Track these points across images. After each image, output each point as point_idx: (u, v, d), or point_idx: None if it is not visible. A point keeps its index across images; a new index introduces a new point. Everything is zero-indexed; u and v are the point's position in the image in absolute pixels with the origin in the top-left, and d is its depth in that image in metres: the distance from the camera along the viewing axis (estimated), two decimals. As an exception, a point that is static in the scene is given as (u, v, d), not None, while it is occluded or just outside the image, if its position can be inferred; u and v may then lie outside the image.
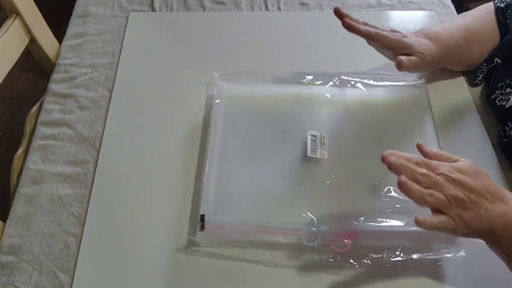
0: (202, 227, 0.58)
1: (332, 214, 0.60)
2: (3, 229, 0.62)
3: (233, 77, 0.74)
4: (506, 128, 0.69)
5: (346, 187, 0.63)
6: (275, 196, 0.62)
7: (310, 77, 0.75)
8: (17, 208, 0.63)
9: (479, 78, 0.77)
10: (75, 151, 0.69)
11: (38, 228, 0.61)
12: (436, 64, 0.72)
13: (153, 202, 0.64)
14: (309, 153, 0.64)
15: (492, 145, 0.71)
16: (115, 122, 0.72)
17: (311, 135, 0.66)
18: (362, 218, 0.59)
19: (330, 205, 0.61)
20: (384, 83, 0.74)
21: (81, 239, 0.60)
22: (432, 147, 0.66)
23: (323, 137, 0.66)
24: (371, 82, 0.74)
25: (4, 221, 0.62)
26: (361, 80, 0.74)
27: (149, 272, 0.58)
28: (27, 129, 0.75)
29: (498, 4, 0.75)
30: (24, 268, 0.58)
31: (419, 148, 0.56)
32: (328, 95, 0.72)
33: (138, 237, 0.61)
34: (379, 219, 0.59)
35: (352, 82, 0.73)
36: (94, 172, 0.66)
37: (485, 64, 0.75)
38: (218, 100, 0.71)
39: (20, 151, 0.72)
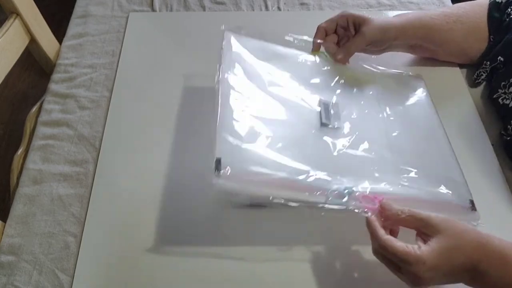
0: (219, 172, 0.52)
1: (356, 177, 0.58)
2: (3, 229, 0.62)
3: (241, 32, 0.71)
4: (509, 126, 0.69)
5: (365, 156, 0.62)
6: (298, 155, 0.58)
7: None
8: (17, 208, 0.63)
9: (482, 77, 0.77)
10: (75, 151, 0.69)
11: (38, 228, 0.61)
12: (409, 37, 0.74)
13: (153, 202, 0.64)
14: (324, 120, 0.63)
15: (492, 145, 0.71)
16: (115, 122, 0.72)
17: (324, 103, 0.65)
18: (384, 184, 0.58)
19: (352, 171, 0.59)
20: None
21: (81, 239, 0.60)
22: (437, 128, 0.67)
23: (337, 105, 0.66)
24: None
25: (4, 221, 0.62)
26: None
27: (149, 272, 0.58)
28: (27, 129, 0.75)
29: None
30: (24, 268, 0.58)
31: (382, 207, 0.54)
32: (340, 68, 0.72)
33: (138, 237, 0.60)
34: (400, 186, 0.59)
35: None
36: (94, 172, 0.66)
37: (488, 62, 0.75)
38: (227, 54, 0.67)
39: (20, 151, 0.72)
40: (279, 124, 0.61)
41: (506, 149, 0.70)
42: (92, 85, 0.77)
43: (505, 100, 0.71)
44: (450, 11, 0.76)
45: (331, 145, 0.62)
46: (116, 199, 0.64)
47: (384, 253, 0.51)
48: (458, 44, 0.76)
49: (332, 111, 0.65)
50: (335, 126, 0.64)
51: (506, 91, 0.71)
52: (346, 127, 0.64)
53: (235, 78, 0.64)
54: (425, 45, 0.77)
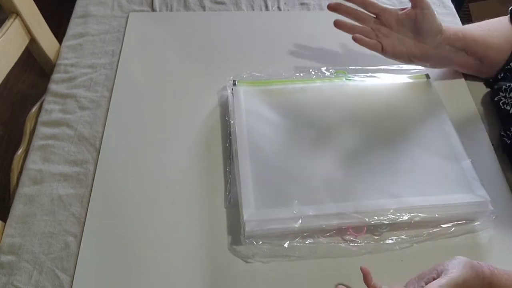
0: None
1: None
2: (3, 229, 0.61)
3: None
4: (508, 132, 0.69)
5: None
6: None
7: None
8: (17, 208, 0.63)
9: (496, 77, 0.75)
10: (75, 151, 0.69)
11: (38, 228, 0.61)
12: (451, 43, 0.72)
13: (153, 202, 0.64)
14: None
15: (492, 145, 0.71)
16: (115, 122, 0.72)
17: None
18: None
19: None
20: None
21: (81, 239, 0.60)
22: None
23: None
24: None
25: (4, 221, 0.62)
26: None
27: (149, 272, 0.58)
28: (27, 129, 0.75)
29: None
30: (24, 268, 0.58)
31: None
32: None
33: (138, 237, 0.61)
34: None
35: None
36: (94, 172, 0.66)
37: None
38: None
39: (20, 151, 0.72)
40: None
41: (506, 152, 0.69)
42: (92, 85, 0.77)
43: (505, 105, 0.71)
44: (480, 23, 0.74)
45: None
46: (116, 199, 0.64)
47: None
48: (493, 60, 0.74)
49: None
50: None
51: (507, 96, 0.71)
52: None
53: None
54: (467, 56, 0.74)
